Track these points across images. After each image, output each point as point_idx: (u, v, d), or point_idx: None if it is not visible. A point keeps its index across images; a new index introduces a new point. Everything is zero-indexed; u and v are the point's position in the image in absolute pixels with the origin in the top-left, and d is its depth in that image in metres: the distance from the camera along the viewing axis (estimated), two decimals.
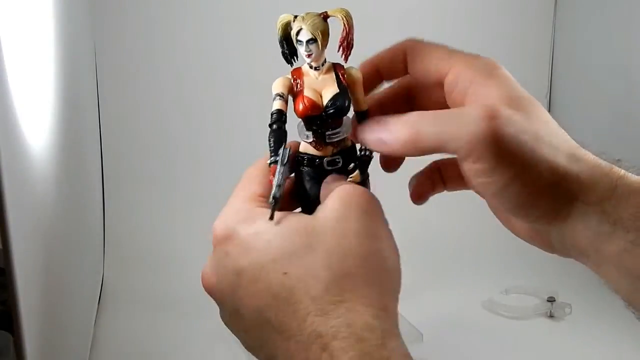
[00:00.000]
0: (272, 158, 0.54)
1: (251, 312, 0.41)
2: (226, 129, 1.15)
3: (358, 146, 0.55)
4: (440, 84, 0.46)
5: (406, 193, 0.81)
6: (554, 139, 0.42)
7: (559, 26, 1.23)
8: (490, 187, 0.41)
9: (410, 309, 0.74)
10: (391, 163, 0.52)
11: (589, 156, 0.43)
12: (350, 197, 0.43)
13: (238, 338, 0.45)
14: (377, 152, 0.52)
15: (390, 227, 0.84)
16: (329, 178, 0.49)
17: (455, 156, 0.43)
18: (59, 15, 0.73)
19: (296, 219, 0.43)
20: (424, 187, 0.53)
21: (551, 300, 0.95)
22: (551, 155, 0.41)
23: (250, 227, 0.42)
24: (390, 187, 0.87)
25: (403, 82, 0.51)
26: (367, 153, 0.62)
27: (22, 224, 0.48)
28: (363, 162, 0.54)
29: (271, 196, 0.48)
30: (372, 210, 0.43)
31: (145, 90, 1.13)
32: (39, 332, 0.51)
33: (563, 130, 0.44)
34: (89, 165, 0.98)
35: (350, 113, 0.55)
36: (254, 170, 0.48)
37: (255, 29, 1.10)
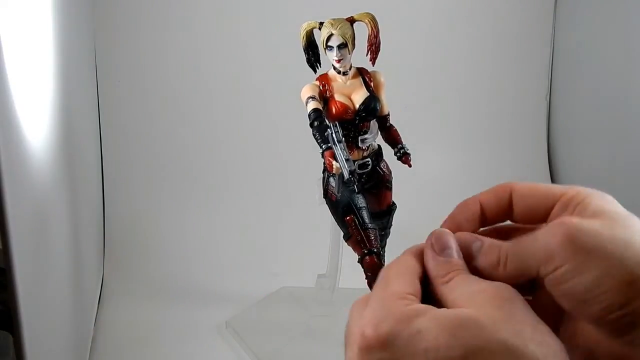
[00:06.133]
0: (323, 146, 0.56)
1: None
2: (225, 130, 1.15)
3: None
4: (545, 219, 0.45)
5: (408, 194, 0.81)
6: None
7: (559, 26, 1.23)
8: (578, 289, 0.40)
9: None
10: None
11: None
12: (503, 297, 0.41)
13: None
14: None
15: (394, 225, 0.83)
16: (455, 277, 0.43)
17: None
18: (59, 16, 0.73)
19: (453, 313, 0.39)
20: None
21: None
22: None
23: (409, 326, 0.38)
24: (394, 188, 0.87)
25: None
26: (403, 151, 0.64)
27: (22, 224, 0.48)
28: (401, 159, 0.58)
29: (347, 172, 0.48)
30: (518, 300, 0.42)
31: (145, 90, 1.12)
32: (39, 332, 0.51)
33: None
34: (89, 165, 0.98)
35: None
36: (393, 269, 0.44)
37: (254, 29, 1.10)
